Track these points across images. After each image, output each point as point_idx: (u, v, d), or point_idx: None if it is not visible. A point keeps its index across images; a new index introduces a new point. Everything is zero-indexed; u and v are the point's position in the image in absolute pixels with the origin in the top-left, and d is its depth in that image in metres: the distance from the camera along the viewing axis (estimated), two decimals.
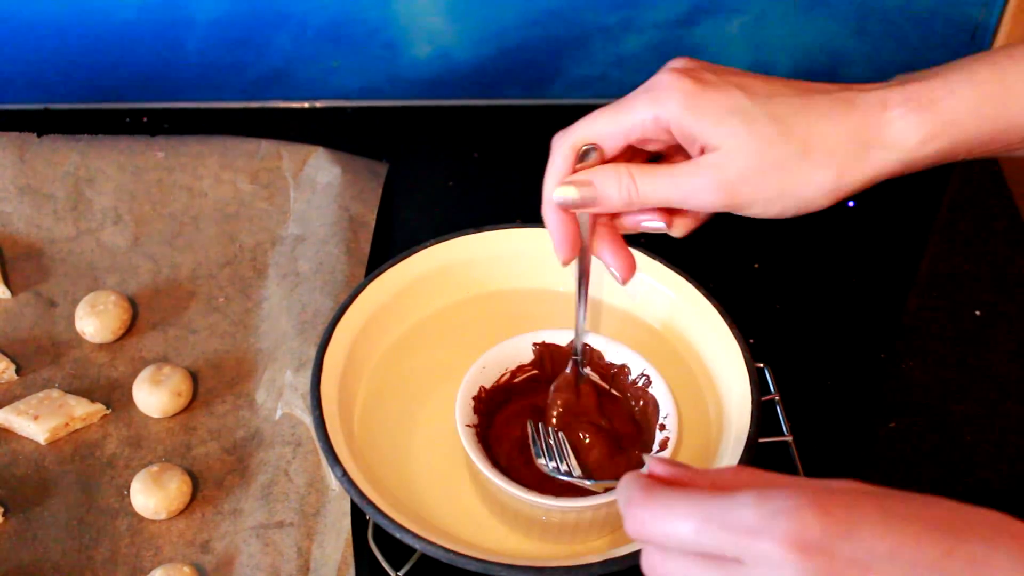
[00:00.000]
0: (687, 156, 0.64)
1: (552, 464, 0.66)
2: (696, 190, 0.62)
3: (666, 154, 0.66)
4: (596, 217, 0.67)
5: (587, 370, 0.74)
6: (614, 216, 0.67)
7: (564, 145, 0.65)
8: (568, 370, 0.73)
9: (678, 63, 0.64)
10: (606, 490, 0.67)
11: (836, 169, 0.61)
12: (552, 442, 0.69)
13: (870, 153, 0.61)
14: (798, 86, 0.63)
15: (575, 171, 0.65)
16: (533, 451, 0.67)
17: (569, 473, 0.66)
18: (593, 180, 0.64)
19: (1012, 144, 0.62)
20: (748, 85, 0.62)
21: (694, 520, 0.46)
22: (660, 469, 0.50)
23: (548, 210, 0.66)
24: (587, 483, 0.65)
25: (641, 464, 0.70)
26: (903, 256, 0.94)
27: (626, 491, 0.49)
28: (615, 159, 0.65)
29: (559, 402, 0.72)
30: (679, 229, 0.67)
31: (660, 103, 0.62)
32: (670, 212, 0.66)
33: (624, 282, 0.68)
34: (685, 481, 0.50)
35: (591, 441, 0.71)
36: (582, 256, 0.68)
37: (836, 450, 0.80)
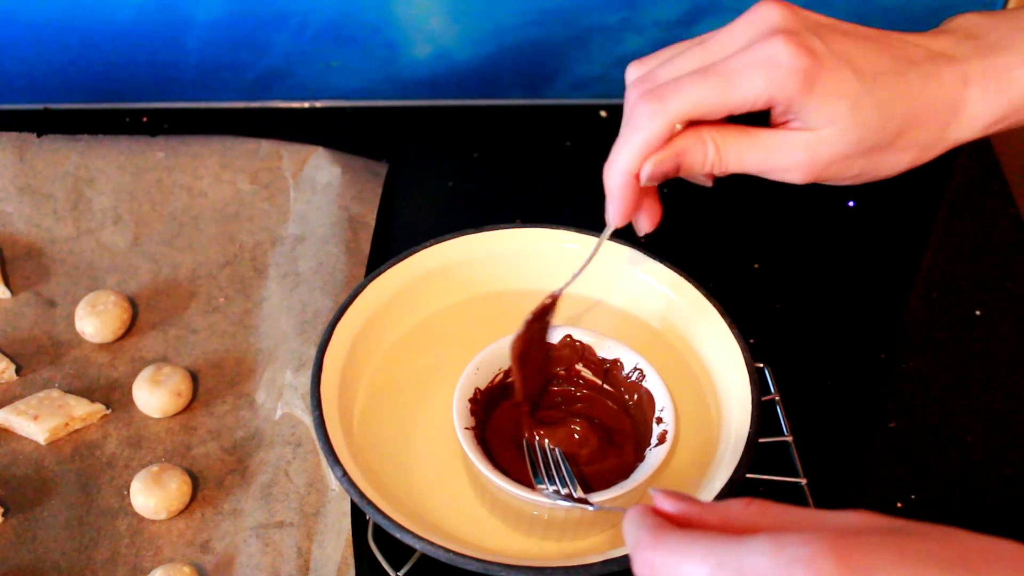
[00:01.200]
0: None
1: (552, 488, 0.66)
2: (784, 167, 0.61)
3: None
4: None
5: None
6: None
7: (661, 119, 0.60)
8: (542, 307, 0.72)
9: (779, 19, 0.60)
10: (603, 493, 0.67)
11: (916, 152, 0.63)
12: (550, 461, 0.68)
13: (947, 133, 0.62)
14: (894, 54, 0.62)
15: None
16: (532, 478, 0.67)
17: (570, 496, 0.65)
18: (678, 152, 0.61)
19: None
20: (855, 59, 0.60)
21: (707, 567, 0.44)
22: (668, 505, 0.49)
23: (618, 178, 0.63)
24: (590, 508, 0.65)
25: (636, 458, 0.70)
26: (903, 256, 0.94)
27: (634, 532, 0.47)
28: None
29: (524, 332, 0.70)
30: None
31: (778, 84, 0.59)
32: None
33: (645, 232, 0.67)
34: (694, 518, 0.48)
35: (583, 436, 0.71)
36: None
37: (836, 450, 0.80)
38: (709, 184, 0.65)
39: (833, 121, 0.60)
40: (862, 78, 0.60)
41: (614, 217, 0.65)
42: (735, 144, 0.61)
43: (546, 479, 0.66)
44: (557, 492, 0.65)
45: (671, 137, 0.61)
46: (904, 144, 0.62)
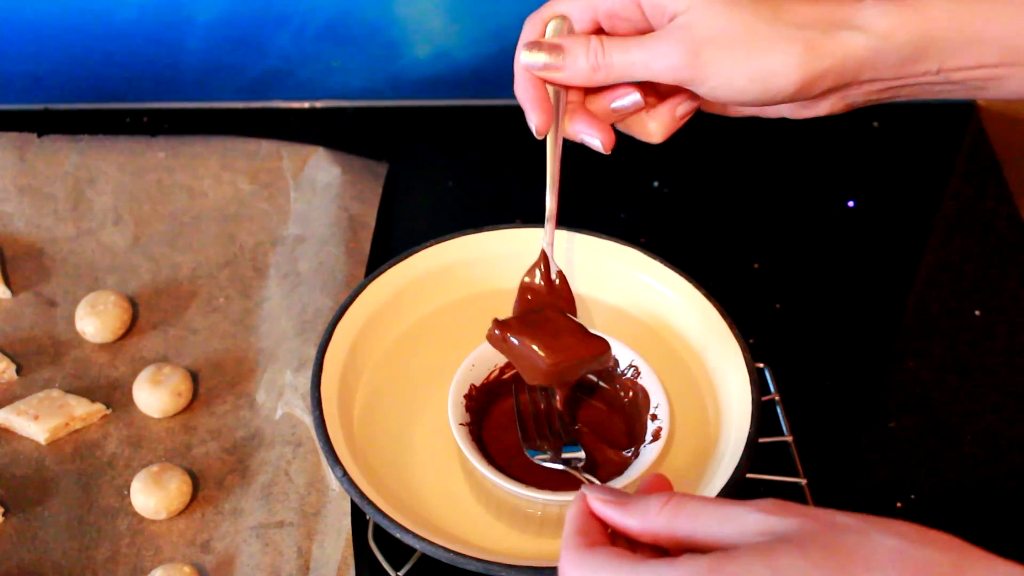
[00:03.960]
0: None
1: (540, 456, 0.66)
2: (662, 52, 0.61)
3: None
4: (567, 97, 0.65)
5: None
6: (586, 97, 0.66)
7: (534, 18, 0.65)
8: (538, 262, 0.71)
9: None
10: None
11: (803, 44, 0.60)
12: (543, 416, 0.67)
13: (839, 32, 0.60)
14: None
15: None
16: (520, 436, 0.66)
17: (558, 458, 0.65)
18: (562, 43, 0.63)
19: (985, 61, 0.60)
20: None
21: None
22: (596, 505, 0.50)
23: (518, 79, 0.65)
24: (583, 476, 0.65)
25: (632, 455, 0.70)
26: (903, 256, 0.94)
27: (565, 538, 0.49)
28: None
29: (529, 296, 0.71)
30: (657, 126, 0.66)
31: None
32: (643, 93, 0.65)
33: (608, 149, 0.66)
34: (616, 523, 0.49)
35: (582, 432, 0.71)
36: (554, 136, 0.66)
37: (836, 450, 0.80)
38: (656, 140, 0.66)
39: None
40: None
41: (530, 120, 0.65)
42: (620, 43, 0.62)
43: (535, 435, 0.66)
44: (552, 458, 0.65)
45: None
46: (786, 31, 0.60)
